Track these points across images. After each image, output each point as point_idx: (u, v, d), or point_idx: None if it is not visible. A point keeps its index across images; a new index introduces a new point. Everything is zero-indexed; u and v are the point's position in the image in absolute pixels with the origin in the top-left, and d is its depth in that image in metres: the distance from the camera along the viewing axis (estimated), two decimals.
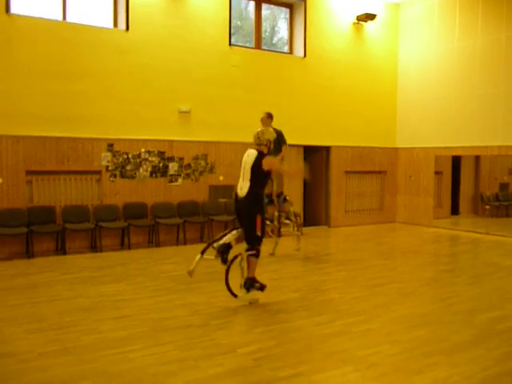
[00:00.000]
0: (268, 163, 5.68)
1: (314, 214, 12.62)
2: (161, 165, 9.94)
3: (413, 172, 13.25)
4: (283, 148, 8.49)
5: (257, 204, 5.68)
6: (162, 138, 9.93)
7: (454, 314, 5.50)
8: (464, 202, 15.01)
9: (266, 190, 7.46)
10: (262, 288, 5.82)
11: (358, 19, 12.47)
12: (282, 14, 12.25)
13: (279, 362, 4.15)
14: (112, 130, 9.36)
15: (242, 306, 5.68)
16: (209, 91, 10.40)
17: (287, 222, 8.97)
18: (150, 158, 9.81)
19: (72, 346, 4.43)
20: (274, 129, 8.03)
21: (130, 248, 9.24)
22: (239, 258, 5.86)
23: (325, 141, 12.19)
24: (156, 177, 9.91)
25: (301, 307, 5.69)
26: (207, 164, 10.46)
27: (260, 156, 5.70)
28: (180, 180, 10.20)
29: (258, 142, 5.82)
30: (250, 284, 5.76)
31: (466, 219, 14.35)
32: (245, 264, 5.79)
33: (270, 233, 8.72)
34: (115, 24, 9.74)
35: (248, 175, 5.69)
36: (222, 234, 5.98)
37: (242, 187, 5.73)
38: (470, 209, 15.10)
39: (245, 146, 10.66)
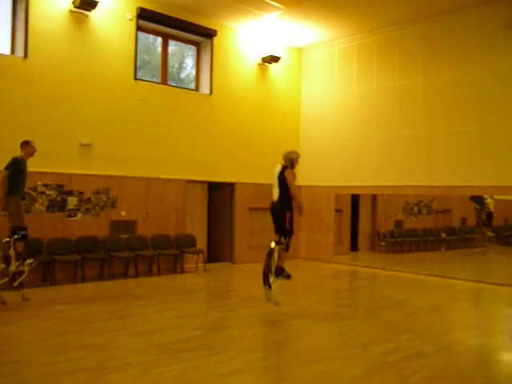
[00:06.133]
0: (288, 173, 7.23)
1: (218, 250, 12.61)
2: (59, 199, 9.53)
3: (314, 209, 13.68)
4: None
5: (286, 204, 7.19)
6: (61, 171, 9.54)
7: (350, 347, 5.66)
8: (362, 239, 15.69)
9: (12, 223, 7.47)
10: (288, 276, 7.31)
11: (263, 60, 12.90)
12: (190, 50, 12.39)
13: None
14: (5, 162, 8.85)
15: (143, 347, 5.48)
16: (112, 125, 10.21)
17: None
18: (47, 192, 9.38)
19: None
20: (16, 158, 7.65)
21: (21, 287, 8.66)
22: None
23: (229, 177, 12.33)
24: (53, 211, 9.47)
25: (201, 345, 5.60)
26: (109, 198, 10.17)
27: (283, 169, 7.29)
28: (79, 215, 9.82)
29: (284, 160, 7.37)
30: (280, 272, 7.21)
31: (364, 255, 14.98)
32: (277, 255, 7.16)
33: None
34: (12, 51, 9.36)
35: (277, 183, 7.28)
36: (266, 261, 7.12)
37: (275, 193, 7.31)
38: (368, 245, 15.80)
39: (149, 181, 10.67)
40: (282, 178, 7.23)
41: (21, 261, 7.62)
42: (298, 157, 7.41)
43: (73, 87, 9.71)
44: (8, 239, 7.45)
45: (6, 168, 7.55)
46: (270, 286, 7.09)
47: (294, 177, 7.28)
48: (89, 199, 9.91)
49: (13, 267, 7.48)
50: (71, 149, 9.68)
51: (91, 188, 9.95)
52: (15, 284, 7.57)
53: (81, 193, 9.80)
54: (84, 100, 9.84)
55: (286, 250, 7.19)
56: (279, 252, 7.18)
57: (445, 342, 6.01)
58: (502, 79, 10.18)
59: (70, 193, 9.66)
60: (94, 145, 9.97)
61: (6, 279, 7.47)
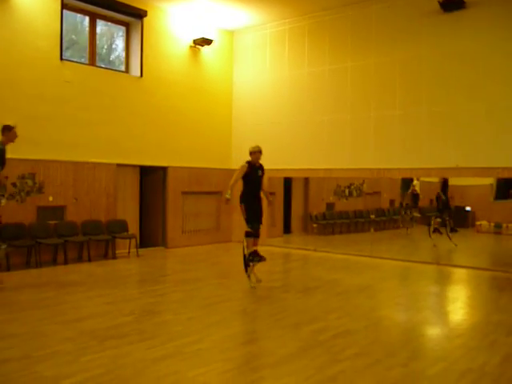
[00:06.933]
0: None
1: (151, 234, 12.44)
2: None
3: None
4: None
5: (241, 199, 7.91)
6: None
7: (282, 327, 5.76)
8: (295, 221, 15.98)
9: None
10: (260, 260, 7.77)
11: (195, 43, 12.72)
12: (120, 31, 12.03)
13: None
14: None
15: (71, 335, 5.34)
16: (38, 106, 9.77)
17: None
18: None
19: None
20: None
21: None
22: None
23: (162, 161, 12.15)
24: None
25: (133, 331, 5.53)
26: (35, 184, 9.78)
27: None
28: (3, 201, 9.37)
29: None
30: (251, 257, 7.82)
31: (296, 237, 15.27)
32: (245, 243, 7.98)
33: None
34: None
35: None
36: (243, 250, 8.01)
37: None
38: (301, 227, 16.12)
39: (78, 165, 10.34)
40: None
41: None
42: (251, 151, 7.94)
43: None
44: None
45: None
46: (246, 271, 8.02)
47: (240, 169, 7.89)
48: (13, 184, 9.49)
49: None
50: None
51: (16, 173, 9.51)
52: None
53: (5, 178, 9.35)
54: (5, 80, 9.36)
55: (250, 235, 7.82)
56: (246, 241, 7.94)
57: (372, 319, 6.24)
58: (426, 64, 10.54)
59: None
60: (18, 127, 9.48)
61: None
